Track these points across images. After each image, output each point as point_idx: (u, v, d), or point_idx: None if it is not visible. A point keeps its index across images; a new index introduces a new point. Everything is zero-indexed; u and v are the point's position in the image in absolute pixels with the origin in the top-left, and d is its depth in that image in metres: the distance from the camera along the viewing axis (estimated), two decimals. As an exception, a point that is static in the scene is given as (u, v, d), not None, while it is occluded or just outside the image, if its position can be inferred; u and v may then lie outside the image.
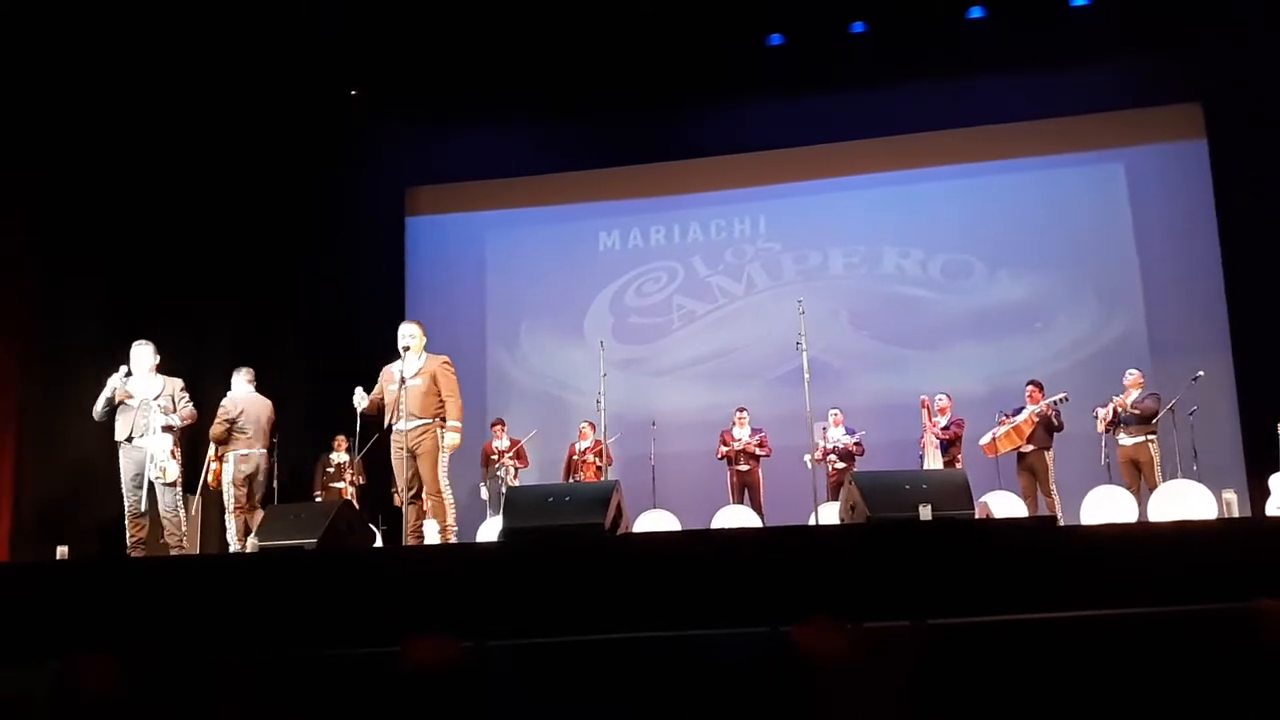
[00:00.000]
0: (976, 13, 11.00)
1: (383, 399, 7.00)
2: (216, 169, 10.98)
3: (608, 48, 11.11)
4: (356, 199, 12.22)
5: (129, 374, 7.33)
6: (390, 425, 6.94)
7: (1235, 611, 3.65)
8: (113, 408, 7.31)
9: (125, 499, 7.30)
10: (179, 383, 7.53)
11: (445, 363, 7.01)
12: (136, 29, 9.77)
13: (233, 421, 7.88)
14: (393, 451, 6.89)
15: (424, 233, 12.79)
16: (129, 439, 7.29)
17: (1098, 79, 10.97)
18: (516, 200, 12.66)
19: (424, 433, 6.82)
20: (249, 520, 7.99)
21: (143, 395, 7.32)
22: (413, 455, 6.82)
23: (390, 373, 6.97)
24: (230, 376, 8.34)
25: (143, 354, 7.42)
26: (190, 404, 7.55)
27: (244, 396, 8.13)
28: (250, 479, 8.00)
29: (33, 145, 9.43)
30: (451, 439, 6.84)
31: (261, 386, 8.64)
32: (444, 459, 6.87)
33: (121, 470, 7.34)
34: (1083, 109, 11.25)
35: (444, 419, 6.88)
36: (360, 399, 7.04)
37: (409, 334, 7.02)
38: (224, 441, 7.92)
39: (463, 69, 11.28)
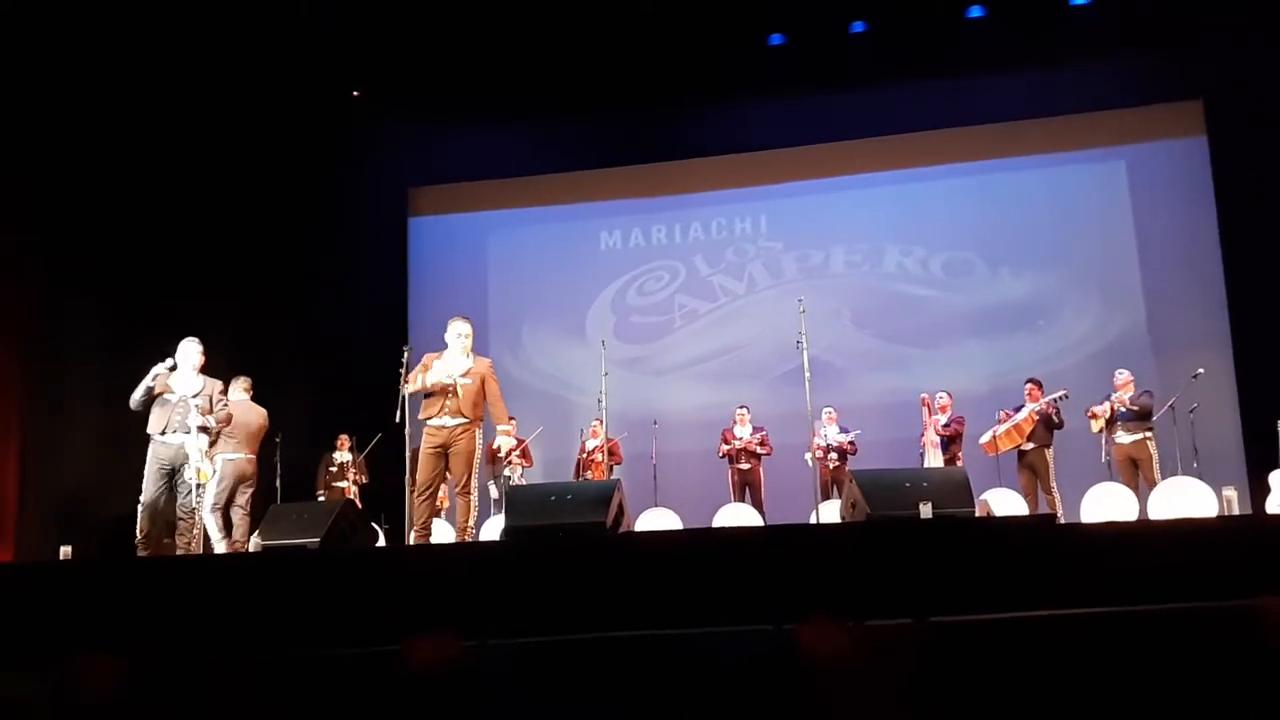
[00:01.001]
0: (976, 11, 11.01)
1: (425, 385, 6.88)
2: (218, 170, 11.00)
3: (608, 48, 11.12)
4: (358, 199, 12.23)
5: (174, 366, 7.18)
6: (408, 418, 7.05)
7: (1236, 609, 3.65)
8: (150, 399, 7.14)
9: (144, 492, 7.07)
10: (218, 384, 7.42)
11: (491, 366, 7.09)
12: (137, 30, 9.79)
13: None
14: (425, 444, 6.86)
15: (426, 233, 12.80)
16: (161, 433, 7.12)
17: (1098, 76, 10.97)
18: (518, 200, 12.68)
19: (464, 432, 6.84)
20: (236, 522, 8.23)
21: (182, 392, 7.17)
22: (445, 452, 6.83)
23: (437, 366, 6.89)
24: (228, 382, 8.34)
25: (190, 350, 7.30)
26: (226, 408, 7.47)
27: (235, 403, 8.20)
28: (236, 482, 8.19)
29: (33, 146, 9.46)
30: (507, 442, 7.10)
31: (264, 387, 8.69)
32: (479, 460, 6.94)
33: (148, 463, 7.14)
34: (1083, 107, 11.26)
35: (479, 422, 6.94)
36: (431, 377, 6.81)
37: (462, 332, 6.99)
38: (211, 444, 7.90)
39: (464, 69, 11.29)
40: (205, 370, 7.44)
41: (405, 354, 7.26)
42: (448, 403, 6.81)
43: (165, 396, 7.15)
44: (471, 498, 6.86)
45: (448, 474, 6.95)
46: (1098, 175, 11.44)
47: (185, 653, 4.26)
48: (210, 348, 7.47)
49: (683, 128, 11.88)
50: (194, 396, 7.18)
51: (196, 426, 7.09)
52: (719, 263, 12.25)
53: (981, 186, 11.71)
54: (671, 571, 4.47)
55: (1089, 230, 11.34)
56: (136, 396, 7.13)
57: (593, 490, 6.32)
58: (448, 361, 6.91)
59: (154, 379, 7.11)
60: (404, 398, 7.08)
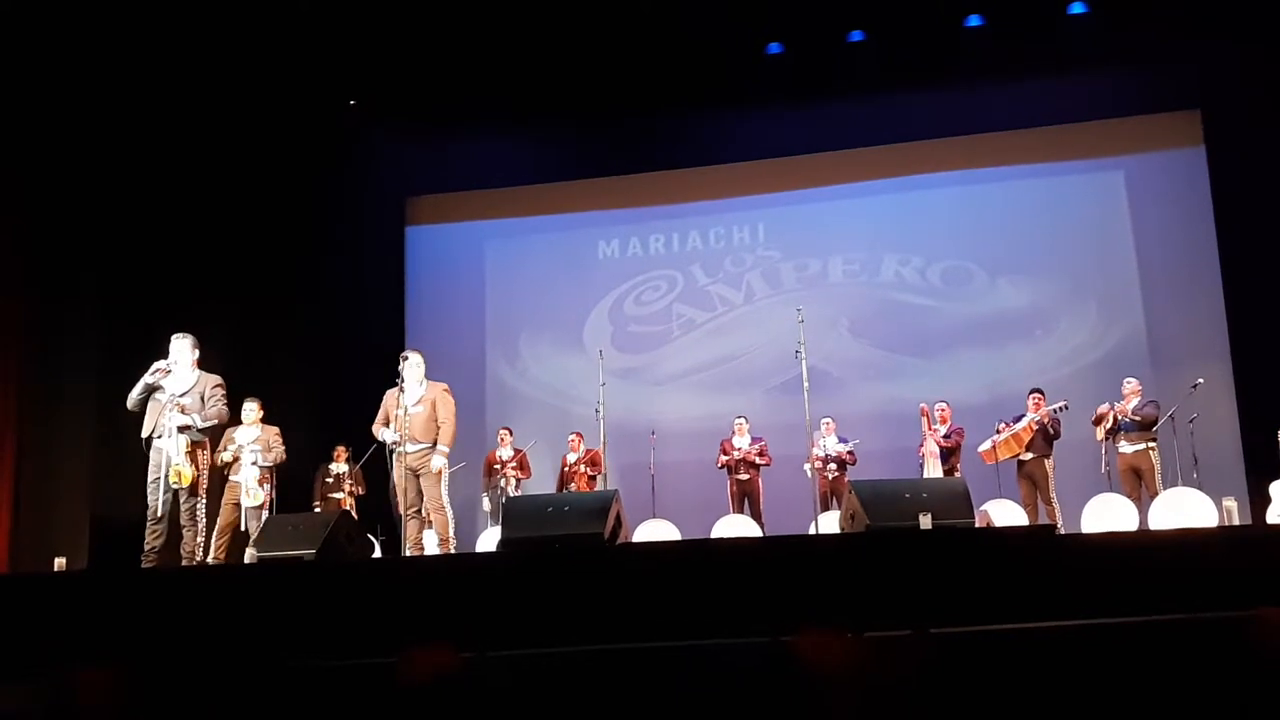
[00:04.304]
0: (975, 21, 11.01)
1: (387, 421, 7.39)
2: (215, 178, 10.97)
3: (607, 57, 11.13)
4: (355, 208, 12.23)
5: (168, 369, 6.88)
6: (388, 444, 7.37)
7: (1236, 620, 3.63)
8: (147, 398, 6.86)
9: (148, 500, 6.84)
10: (213, 379, 7.05)
11: (445, 390, 7.44)
12: (134, 35, 9.77)
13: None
14: (397, 471, 7.28)
15: (424, 242, 12.80)
16: (155, 437, 6.84)
17: (1096, 86, 10.98)
18: (516, 209, 12.66)
19: (424, 456, 7.28)
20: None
21: (172, 390, 6.86)
22: (415, 475, 7.27)
23: (394, 398, 7.33)
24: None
25: (181, 347, 6.99)
26: (222, 403, 7.03)
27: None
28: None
29: (30, 151, 9.44)
30: (437, 462, 7.27)
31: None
32: (445, 477, 7.32)
33: (149, 470, 6.88)
34: (1082, 116, 11.27)
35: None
36: (388, 435, 7.32)
37: (413, 363, 7.42)
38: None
39: (462, 79, 11.29)
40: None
41: (402, 364, 7.34)
42: (405, 430, 7.21)
43: (156, 397, 6.88)
44: (446, 512, 7.25)
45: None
46: (1096, 185, 11.43)
47: (180, 664, 4.23)
48: (207, 357, 7.33)
49: (681, 137, 11.89)
50: (182, 395, 6.88)
51: (177, 428, 6.79)
52: (717, 272, 12.24)
53: (980, 196, 11.70)
54: (670, 583, 4.45)
55: (1087, 240, 11.34)
56: (133, 395, 6.87)
57: (591, 501, 6.30)
58: (405, 393, 7.29)
59: (153, 375, 6.83)
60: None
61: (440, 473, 7.24)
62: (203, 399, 6.96)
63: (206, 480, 7.06)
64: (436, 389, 7.39)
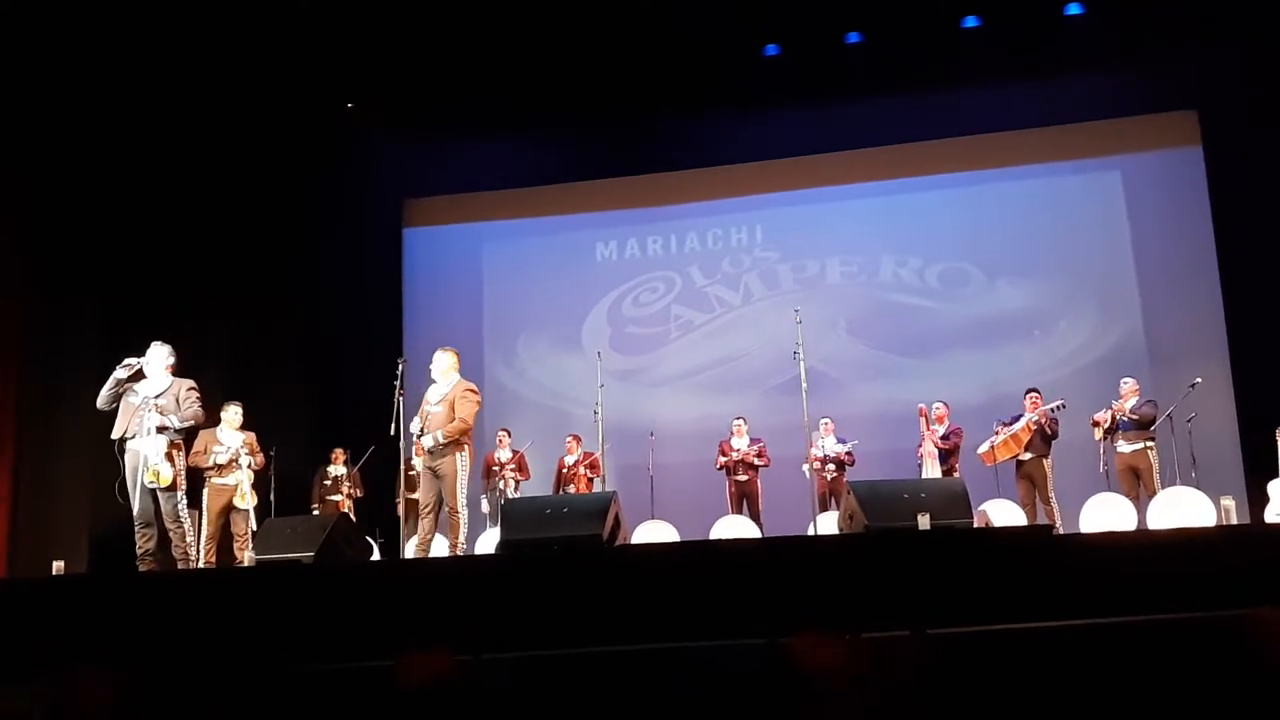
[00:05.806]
0: (972, 22, 11.01)
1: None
2: (213, 182, 10.98)
3: (604, 59, 11.12)
4: (353, 210, 12.22)
5: (139, 371, 6.92)
6: (403, 432, 7.33)
7: (1234, 619, 3.64)
8: (117, 397, 6.90)
9: (133, 506, 6.84)
10: (187, 382, 7.09)
11: (468, 389, 7.31)
12: (131, 38, 9.77)
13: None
14: (422, 465, 7.27)
15: (421, 244, 12.79)
16: (130, 438, 6.85)
17: (1094, 87, 10.98)
18: (514, 211, 12.64)
19: (442, 455, 7.11)
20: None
21: (146, 393, 6.90)
22: (435, 475, 7.13)
23: (425, 397, 7.33)
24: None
25: (158, 354, 7.05)
26: (197, 405, 7.03)
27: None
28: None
29: (29, 155, 9.45)
30: (427, 442, 7.11)
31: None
32: (462, 480, 7.15)
33: (126, 473, 6.90)
34: (1079, 117, 11.26)
35: (461, 444, 7.18)
36: (413, 427, 7.29)
37: (438, 360, 7.39)
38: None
39: (460, 81, 11.29)
40: (199, 383, 7.28)
41: (400, 366, 7.35)
42: (426, 427, 7.14)
43: (128, 399, 6.89)
44: (460, 515, 7.09)
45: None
46: (1094, 185, 11.44)
47: (179, 667, 4.23)
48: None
49: (678, 138, 11.88)
50: (157, 396, 6.89)
51: (155, 427, 6.80)
52: (715, 273, 12.24)
53: (977, 197, 11.70)
54: (669, 584, 4.46)
55: (1085, 240, 11.34)
56: (104, 393, 6.90)
57: (589, 503, 6.31)
58: (432, 390, 7.29)
59: (123, 368, 6.85)
60: (398, 410, 7.21)
61: (457, 476, 7.07)
62: (178, 401, 6.98)
63: (185, 481, 7.02)
64: (459, 389, 7.23)
